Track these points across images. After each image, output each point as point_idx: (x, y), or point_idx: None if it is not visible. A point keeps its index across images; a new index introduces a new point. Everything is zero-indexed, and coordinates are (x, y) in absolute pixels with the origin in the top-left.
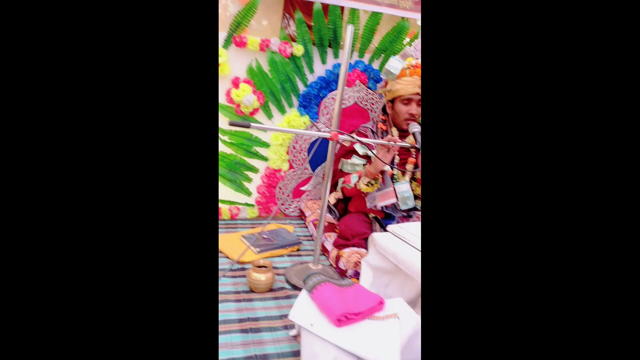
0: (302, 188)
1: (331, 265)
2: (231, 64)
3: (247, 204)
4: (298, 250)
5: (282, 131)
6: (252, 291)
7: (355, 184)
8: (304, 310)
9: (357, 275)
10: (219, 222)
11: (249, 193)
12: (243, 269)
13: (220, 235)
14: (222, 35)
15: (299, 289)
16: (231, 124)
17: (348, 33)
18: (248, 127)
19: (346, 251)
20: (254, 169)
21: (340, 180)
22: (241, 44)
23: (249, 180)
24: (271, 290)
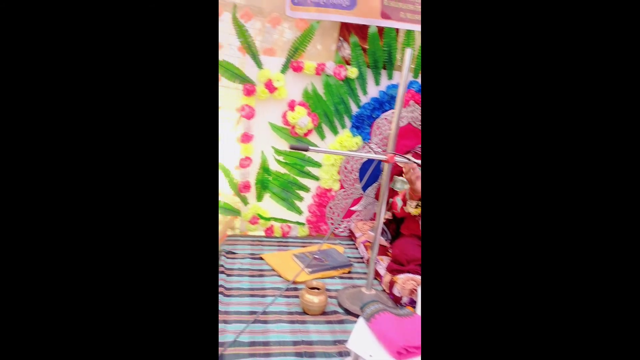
0: (353, 208)
1: (384, 290)
2: (288, 87)
3: (298, 223)
4: (349, 272)
5: (340, 154)
6: (305, 313)
7: (401, 208)
8: (362, 339)
9: (412, 303)
10: (271, 239)
11: (300, 212)
12: (295, 289)
13: (272, 253)
14: (281, 60)
15: (352, 314)
16: (292, 148)
17: (407, 57)
18: (306, 150)
19: (401, 277)
20: (305, 188)
21: (391, 200)
22: (298, 69)
23: (301, 199)
24: (324, 313)
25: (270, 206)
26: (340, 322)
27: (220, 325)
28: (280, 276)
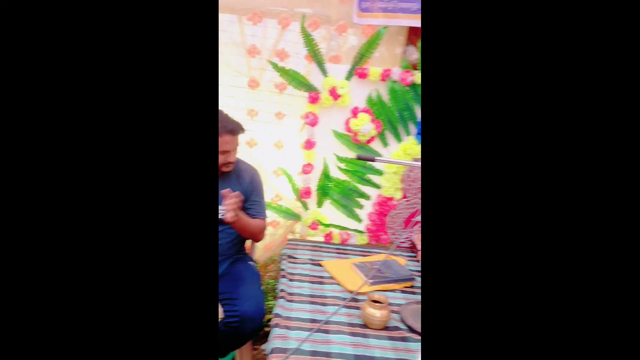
0: (415, 218)
1: None
2: (352, 94)
3: (357, 231)
4: (411, 286)
5: (408, 164)
6: (365, 326)
7: None
8: None
9: None
10: (330, 245)
11: (359, 220)
12: (356, 300)
13: (332, 261)
14: (346, 67)
15: (416, 332)
16: (358, 158)
17: None
18: (373, 160)
19: None
20: (365, 196)
21: None
22: (363, 75)
23: (360, 207)
24: (386, 328)
25: (330, 213)
26: (403, 339)
27: (283, 331)
28: (340, 285)
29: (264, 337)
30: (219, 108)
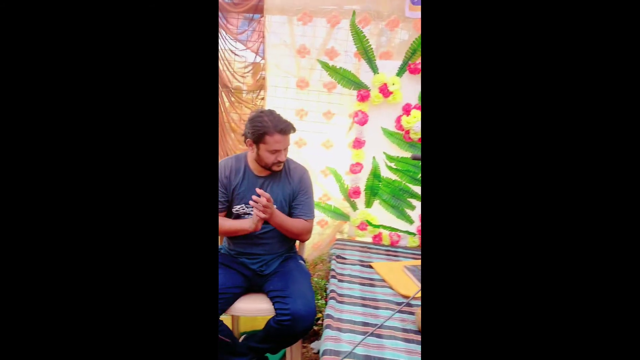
0: None
1: None
2: (403, 91)
3: (408, 232)
4: None
5: None
6: (420, 333)
7: None
8: None
9: None
10: (380, 247)
11: (411, 221)
12: (409, 305)
13: (382, 263)
14: (397, 63)
15: None
16: (414, 158)
17: None
18: None
19: None
20: (417, 197)
21: None
22: (415, 71)
23: (412, 207)
24: None
25: (380, 213)
26: None
27: (334, 332)
28: (391, 288)
29: (312, 336)
30: (270, 108)
